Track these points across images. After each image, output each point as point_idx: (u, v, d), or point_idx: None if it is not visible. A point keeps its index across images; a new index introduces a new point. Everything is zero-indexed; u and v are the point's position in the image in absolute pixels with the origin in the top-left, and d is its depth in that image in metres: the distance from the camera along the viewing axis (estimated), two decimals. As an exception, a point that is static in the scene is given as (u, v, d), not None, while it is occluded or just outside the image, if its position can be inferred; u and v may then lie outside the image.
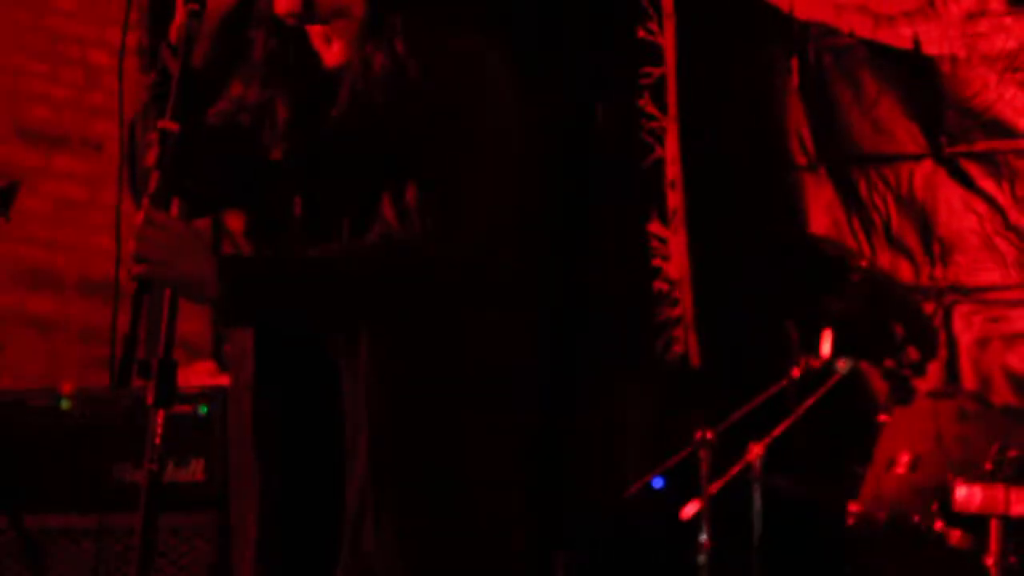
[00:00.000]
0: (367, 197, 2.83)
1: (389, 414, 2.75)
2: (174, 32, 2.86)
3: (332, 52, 2.93)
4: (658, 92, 7.01)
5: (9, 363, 6.55)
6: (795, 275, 6.26)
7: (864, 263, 6.11)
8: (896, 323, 5.79)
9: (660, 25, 6.93)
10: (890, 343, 5.78)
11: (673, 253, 6.89)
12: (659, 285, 6.82)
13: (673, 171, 6.87)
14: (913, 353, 5.89)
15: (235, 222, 3.47)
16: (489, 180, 2.82)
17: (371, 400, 2.76)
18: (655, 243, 6.92)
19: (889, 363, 5.92)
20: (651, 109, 6.99)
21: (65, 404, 5.33)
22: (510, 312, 2.92)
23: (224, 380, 5.73)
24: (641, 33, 6.93)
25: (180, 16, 2.82)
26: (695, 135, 6.91)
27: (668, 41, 6.94)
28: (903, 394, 5.88)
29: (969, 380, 6.15)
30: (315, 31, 2.94)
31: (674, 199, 6.90)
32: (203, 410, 5.18)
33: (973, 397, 5.75)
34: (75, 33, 7.13)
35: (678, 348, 6.80)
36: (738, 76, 6.86)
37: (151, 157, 2.73)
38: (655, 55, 6.93)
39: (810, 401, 5.42)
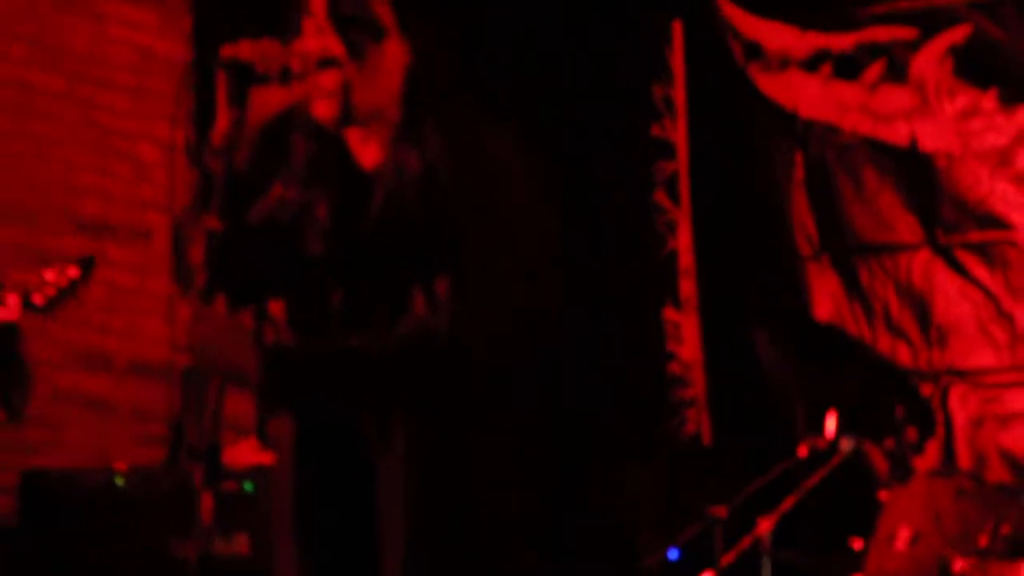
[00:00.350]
0: (400, 289, 2.96)
1: (421, 502, 2.94)
2: (217, 137, 2.98)
3: (368, 153, 3.08)
4: (671, 186, 7.18)
5: (65, 441, 6.75)
6: (800, 359, 6.46)
7: (866, 348, 6.32)
8: (897, 405, 5.91)
9: (673, 123, 7.15)
10: (891, 424, 5.89)
11: (686, 337, 7.04)
12: (673, 368, 6.98)
13: (686, 260, 7.04)
14: (912, 434, 6.02)
15: (277, 310, 3.47)
16: (514, 275, 3.06)
17: (407, 488, 2.95)
18: (669, 328, 7.06)
19: (890, 443, 6.06)
20: (665, 202, 7.17)
21: (119, 481, 5.50)
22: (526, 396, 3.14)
23: (268, 458, 6.02)
24: (655, 131, 7.15)
25: (223, 122, 2.97)
26: (706, 226, 7.06)
27: (680, 138, 7.17)
28: (903, 472, 6.03)
29: (965, 458, 6.28)
30: (352, 134, 3.09)
31: (687, 287, 7.05)
32: (248, 487, 5.33)
33: (969, 476, 5.88)
34: (125, 129, 7.28)
35: (691, 427, 6.94)
36: (747, 170, 7.04)
37: (197, 254, 2.86)
38: (668, 151, 7.14)
39: (816, 478, 5.49)
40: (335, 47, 3.02)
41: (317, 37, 3.05)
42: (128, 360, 7.18)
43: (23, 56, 6.99)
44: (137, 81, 7.38)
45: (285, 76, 2.99)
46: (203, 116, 7.25)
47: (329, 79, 3.01)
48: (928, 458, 6.12)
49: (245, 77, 2.97)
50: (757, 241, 6.98)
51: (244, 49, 2.98)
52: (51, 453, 6.64)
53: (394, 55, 3.04)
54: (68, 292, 4.91)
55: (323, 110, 3.05)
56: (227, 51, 2.97)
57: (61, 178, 7.07)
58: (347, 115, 3.05)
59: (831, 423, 5.56)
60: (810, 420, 5.80)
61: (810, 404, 5.91)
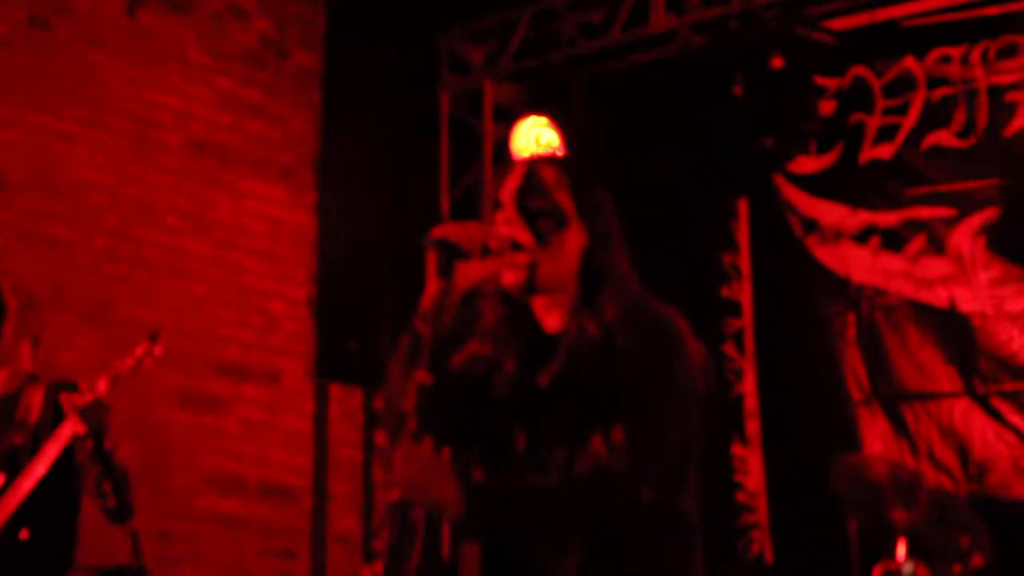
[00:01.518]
0: (578, 435, 3.08)
1: None
2: (426, 303, 3.08)
3: (551, 319, 3.20)
4: (738, 339, 7.62)
5: (206, 554, 7.41)
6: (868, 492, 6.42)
7: (928, 482, 6.45)
8: (962, 534, 6.00)
9: (740, 285, 7.66)
10: (957, 551, 6.01)
11: (751, 470, 7.47)
12: (740, 496, 7.37)
13: (751, 403, 7.49)
14: (977, 560, 6.15)
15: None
16: (680, 428, 3.05)
17: None
18: (736, 462, 7.47)
19: (957, 568, 6.20)
20: (733, 353, 7.62)
21: None
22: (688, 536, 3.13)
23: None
24: (724, 292, 7.65)
25: (431, 291, 3.08)
26: (769, 375, 7.47)
27: (746, 298, 7.66)
28: None
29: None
30: (537, 302, 3.21)
31: (752, 426, 7.51)
32: None
33: None
34: (259, 287, 7.98)
35: (755, 548, 7.32)
36: (805, 327, 7.47)
37: (409, 402, 2.98)
38: (735, 309, 7.62)
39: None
40: (523, 236, 3.15)
41: (507, 227, 3.16)
42: (258, 484, 7.79)
43: (177, 225, 7.68)
44: (269, 246, 8.10)
45: (484, 252, 3.12)
46: (323, 276, 8.01)
47: (519, 258, 3.15)
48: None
49: (451, 253, 3.09)
50: (815, 388, 7.36)
51: (450, 230, 3.11)
52: (191, 566, 7.27)
53: (573, 238, 3.17)
54: (137, 367, 5.03)
55: (510, 278, 3.17)
56: (436, 232, 3.11)
57: (207, 330, 7.70)
58: (532, 286, 3.17)
59: (901, 549, 5.73)
60: (879, 547, 5.84)
61: (876, 531, 5.94)
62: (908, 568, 5.69)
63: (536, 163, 3.24)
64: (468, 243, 3.11)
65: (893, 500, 5.81)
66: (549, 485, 3.07)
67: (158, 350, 5.04)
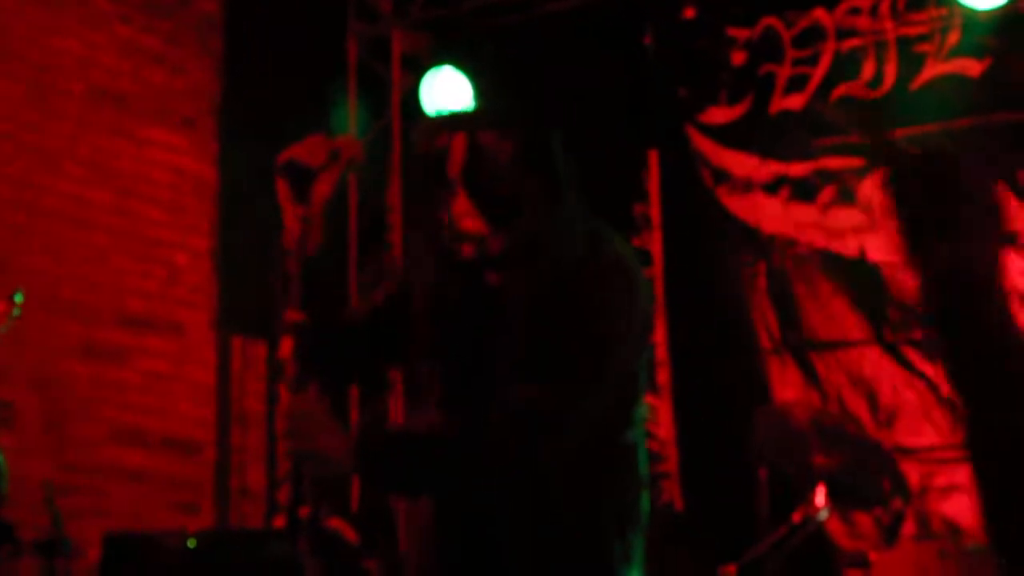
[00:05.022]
0: (503, 380, 2.93)
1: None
2: (289, 239, 3.02)
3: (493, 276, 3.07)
4: None
5: (108, 508, 7.28)
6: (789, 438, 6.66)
7: (853, 428, 6.58)
8: (884, 477, 6.12)
9: (650, 236, 7.63)
10: (879, 494, 6.21)
11: (661, 420, 7.43)
12: (652, 445, 7.26)
13: (661, 352, 7.45)
14: (899, 503, 6.51)
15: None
16: (615, 363, 2.96)
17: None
18: (648, 411, 7.25)
19: (879, 511, 6.58)
20: None
21: (191, 544, 5.76)
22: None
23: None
24: (635, 242, 7.57)
25: (291, 222, 3.02)
26: (680, 324, 7.45)
27: (656, 248, 7.63)
28: (891, 538, 6.58)
29: (909, 526, 6.72)
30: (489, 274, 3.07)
31: (662, 375, 7.47)
32: None
33: (950, 540, 6.38)
34: (162, 238, 7.86)
35: (665, 496, 7.29)
36: (716, 278, 7.48)
37: (285, 348, 2.92)
38: (646, 259, 7.51)
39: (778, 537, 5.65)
40: (478, 225, 3.00)
41: (465, 219, 3.00)
42: (161, 437, 7.67)
43: (79, 174, 7.53)
44: (172, 197, 7.98)
45: (333, 159, 3.03)
46: (226, 227, 7.91)
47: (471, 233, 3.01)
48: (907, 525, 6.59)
49: (301, 176, 3.02)
50: (725, 338, 7.37)
51: (295, 151, 3.04)
52: (94, 519, 7.05)
53: (530, 220, 3.01)
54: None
55: (466, 253, 3.02)
56: (282, 156, 3.04)
57: (112, 282, 7.58)
58: (484, 259, 3.03)
59: (820, 495, 5.67)
60: (799, 492, 5.76)
61: (797, 477, 5.87)
62: (825, 513, 5.69)
63: (482, 134, 3.00)
64: (315, 160, 3.04)
65: (814, 445, 5.80)
66: (455, 431, 2.94)
67: (16, 310, 4.80)
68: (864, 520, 6.80)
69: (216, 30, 8.35)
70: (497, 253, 3.01)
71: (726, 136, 7.62)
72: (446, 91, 7.93)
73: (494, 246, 3.00)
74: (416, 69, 8.11)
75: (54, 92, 7.52)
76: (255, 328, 8.13)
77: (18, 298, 4.69)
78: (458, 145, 3.00)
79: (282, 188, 3.04)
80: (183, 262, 7.99)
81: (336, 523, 6.28)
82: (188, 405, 7.84)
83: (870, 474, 6.02)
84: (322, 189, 3.06)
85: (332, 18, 8.38)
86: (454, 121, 3.08)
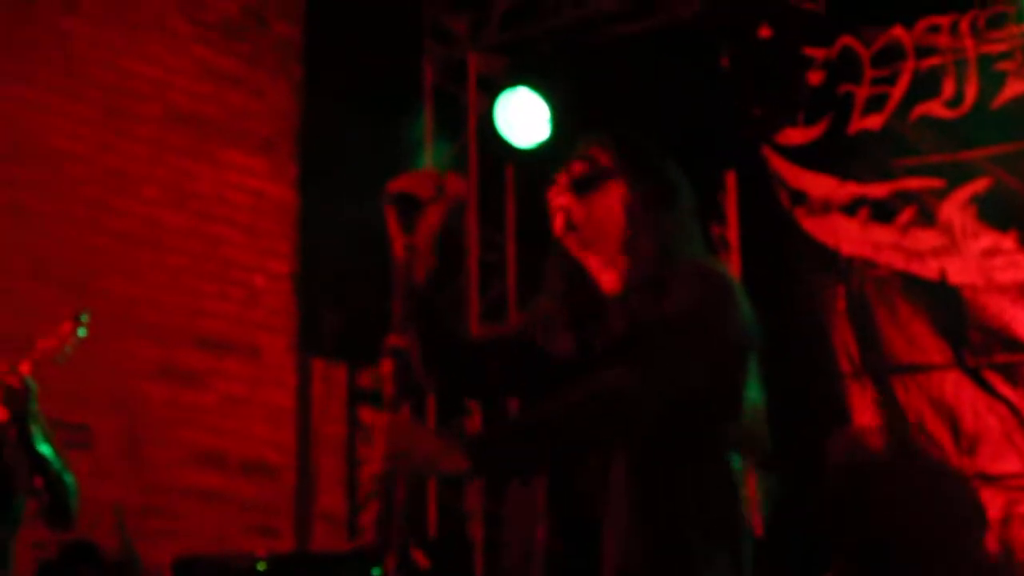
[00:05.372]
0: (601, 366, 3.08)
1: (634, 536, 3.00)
2: (398, 263, 3.08)
3: (607, 278, 3.25)
4: None
5: (186, 529, 7.30)
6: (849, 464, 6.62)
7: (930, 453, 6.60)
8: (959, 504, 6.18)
9: (727, 258, 7.49)
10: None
11: None
12: None
13: None
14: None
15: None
16: (704, 367, 3.06)
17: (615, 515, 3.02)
18: None
19: None
20: None
21: (261, 567, 5.85)
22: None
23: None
24: None
25: (398, 251, 3.07)
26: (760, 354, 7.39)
27: (734, 271, 7.24)
28: None
29: (994, 551, 6.55)
30: (592, 261, 3.26)
31: None
32: (375, 572, 5.81)
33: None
34: (240, 260, 7.90)
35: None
36: (794, 300, 7.36)
37: (386, 370, 2.96)
38: None
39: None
40: (566, 200, 3.22)
41: (556, 197, 3.23)
42: (239, 459, 7.71)
43: (156, 197, 7.59)
44: (250, 219, 8.03)
45: (439, 192, 3.12)
46: (305, 250, 7.93)
47: (559, 202, 3.24)
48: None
49: (409, 205, 3.08)
50: (804, 361, 7.21)
51: (404, 182, 3.11)
52: (171, 541, 7.10)
53: (613, 190, 3.23)
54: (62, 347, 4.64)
55: (557, 224, 3.24)
56: (392, 186, 3.10)
57: (187, 303, 7.63)
58: (570, 225, 3.23)
59: None
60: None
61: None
62: None
63: (592, 139, 3.30)
64: (424, 191, 3.10)
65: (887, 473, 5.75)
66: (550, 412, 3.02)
67: (83, 330, 4.70)
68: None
69: (295, 53, 8.39)
70: (582, 221, 3.22)
71: (804, 157, 7.54)
72: (521, 113, 7.90)
73: (578, 214, 3.21)
74: (491, 91, 8.09)
75: (131, 115, 7.60)
76: (335, 351, 8.14)
77: (84, 318, 4.67)
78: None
79: (391, 217, 3.10)
80: (261, 285, 8.02)
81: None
82: (266, 428, 7.86)
83: (945, 500, 6.01)
84: (430, 221, 3.13)
85: (409, 41, 8.38)
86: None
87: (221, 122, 7.99)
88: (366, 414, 8.21)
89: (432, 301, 3.19)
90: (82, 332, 4.67)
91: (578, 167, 3.25)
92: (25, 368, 4.55)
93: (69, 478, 4.69)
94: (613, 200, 3.23)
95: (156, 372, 7.46)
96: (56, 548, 6.49)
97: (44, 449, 4.61)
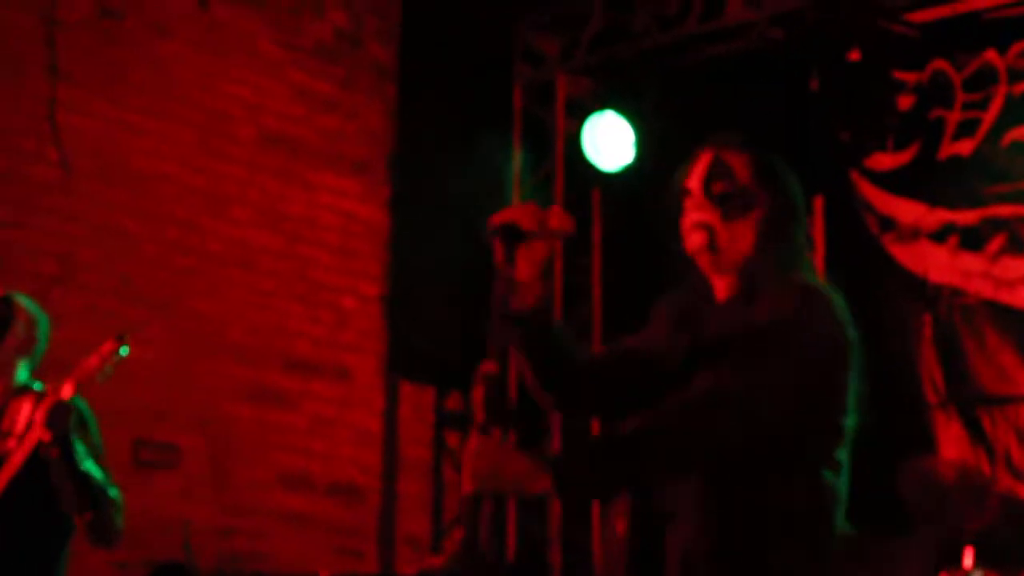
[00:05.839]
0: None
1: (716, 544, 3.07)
2: (496, 298, 3.12)
3: (720, 288, 3.27)
4: None
5: (270, 551, 7.38)
6: (937, 498, 6.19)
7: (1001, 487, 6.40)
8: None
9: None
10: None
11: None
12: None
13: None
14: None
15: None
16: (795, 386, 3.06)
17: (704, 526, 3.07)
18: None
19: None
20: None
21: None
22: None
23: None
24: None
25: (500, 282, 3.10)
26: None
27: None
28: None
29: None
30: (718, 283, 3.28)
31: None
32: None
33: None
34: (330, 282, 7.95)
35: None
36: (881, 328, 7.13)
37: (478, 396, 2.96)
38: None
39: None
40: (709, 216, 3.20)
41: (696, 211, 3.22)
42: (327, 481, 7.74)
43: (246, 218, 7.69)
44: (341, 241, 8.09)
45: (543, 226, 3.13)
46: (395, 272, 7.98)
47: (700, 220, 3.23)
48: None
49: (514, 237, 3.09)
50: (889, 390, 6.96)
51: (510, 214, 3.10)
52: (256, 562, 7.24)
53: (757, 218, 3.22)
54: (103, 367, 4.61)
55: (695, 241, 3.23)
56: (498, 218, 3.10)
57: (276, 324, 7.70)
58: (713, 247, 3.22)
59: (968, 557, 5.59)
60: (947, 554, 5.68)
61: (946, 539, 5.77)
62: (977, 575, 5.53)
63: (722, 150, 3.27)
64: (529, 224, 3.11)
65: (962, 504, 5.68)
66: (642, 428, 3.00)
67: (125, 349, 4.70)
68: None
69: (389, 76, 8.44)
70: (730, 257, 3.21)
71: (892, 182, 7.45)
72: (609, 136, 7.89)
73: (724, 240, 3.20)
74: (579, 114, 8.09)
75: (224, 137, 7.68)
76: (423, 375, 8.17)
77: (125, 337, 4.73)
78: (703, 160, 3.27)
79: (498, 249, 3.11)
80: (351, 307, 8.06)
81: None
82: (353, 450, 7.91)
83: (1018, 534, 5.81)
84: (535, 254, 3.15)
85: (502, 63, 8.40)
86: (704, 142, 3.33)
87: (313, 144, 8.06)
88: (452, 438, 8.24)
89: (545, 328, 3.23)
90: (124, 351, 4.68)
91: (719, 186, 3.22)
92: (67, 389, 4.59)
93: (115, 492, 4.73)
94: (752, 222, 3.23)
95: (245, 393, 7.54)
96: (144, 569, 6.64)
97: (88, 466, 4.65)
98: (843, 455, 3.23)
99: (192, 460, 7.26)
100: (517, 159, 8.34)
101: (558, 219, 3.16)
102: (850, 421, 3.25)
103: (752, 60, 7.71)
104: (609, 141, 7.90)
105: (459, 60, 8.21)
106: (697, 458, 3.03)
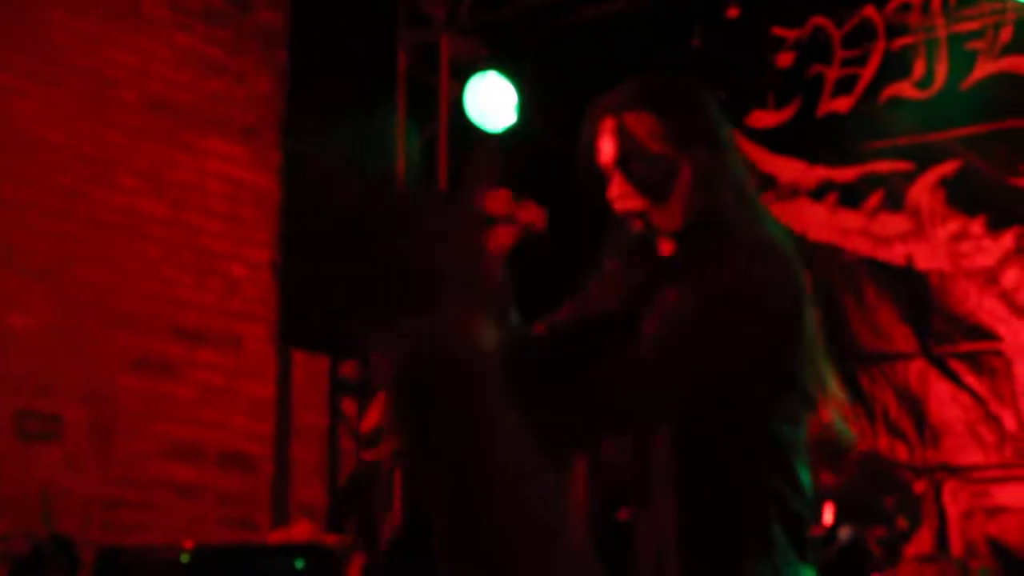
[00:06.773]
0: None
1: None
2: None
3: (665, 246, 3.13)
4: None
5: (158, 522, 7.30)
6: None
7: (860, 445, 6.47)
8: (887, 497, 6.05)
9: None
10: (882, 514, 6.05)
11: None
12: None
13: None
14: (902, 523, 6.20)
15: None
16: (748, 327, 2.96)
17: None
18: None
19: (881, 531, 6.22)
20: None
21: (184, 558, 5.69)
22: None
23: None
24: None
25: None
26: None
27: None
28: (893, 558, 6.27)
29: (956, 547, 6.46)
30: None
31: None
32: (298, 564, 5.83)
33: (955, 562, 6.22)
34: (219, 250, 7.86)
35: None
36: None
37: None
38: None
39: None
40: (638, 204, 3.08)
41: (622, 201, 3.10)
42: (216, 452, 7.68)
43: (133, 185, 7.55)
44: (230, 208, 8.00)
45: (511, 215, 3.00)
46: (286, 239, 7.93)
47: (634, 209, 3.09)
48: (920, 545, 6.35)
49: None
50: None
51: (479, 195, 3.01)
52: (143, 534, 7.12)
53: (684, 179, 3.08)
54: None
55: (637, 228, 3.11)
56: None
57: (163, 293, 7.61)
58: (653, 230, 3.11)
59: (828, 513, 5.69)
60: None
61: None
62: (835, 532, 5.67)
63: (624, 115, 3.09)
64: (499, 209, 3.01)
65: (820, 463, 5.63)
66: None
67: None
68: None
69: (278, 40, 8.34)
70: (670, 228, 3.06)
71: (773, 141, 7.45)
72: (491, 97, 7.85)
73: (661, 220, 3.06)
74: (464, 76, 8.04)
75: (109, 103, 7.56)
76: (316, 343, 8.12)
77: None
78: (606, 129, 3.09)
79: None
80: (241, 274, 7.98)
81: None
82: (245, 419, 7.85)
83: (875, 492, 5.94)
84: (501, 240, 3.02)
85: (389, 27, 8.34)
86: (599, 107, 3.16)
87: (201, 109, 7.95)
88: (349, 405, 8.22)
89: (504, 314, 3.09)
90: None
91: (637, 167, 3.06)
92: None
93: None
94: (682, 189, 3.08)
95: (132, 363, 7.47)
96: (27, 542, 6.60)
97: None
98: (797, 405, 3.05)
99: (77, 431, 7.20)
100: (402, 122, 8.29)
101: (530, 212, 3.07)
102: (805, 374, 3.06)
103: (635, 19, 7.67)
104: (492, 102, 7.84)
105: (349, 24, 8.14)
106: (645, 412, 2.95)
